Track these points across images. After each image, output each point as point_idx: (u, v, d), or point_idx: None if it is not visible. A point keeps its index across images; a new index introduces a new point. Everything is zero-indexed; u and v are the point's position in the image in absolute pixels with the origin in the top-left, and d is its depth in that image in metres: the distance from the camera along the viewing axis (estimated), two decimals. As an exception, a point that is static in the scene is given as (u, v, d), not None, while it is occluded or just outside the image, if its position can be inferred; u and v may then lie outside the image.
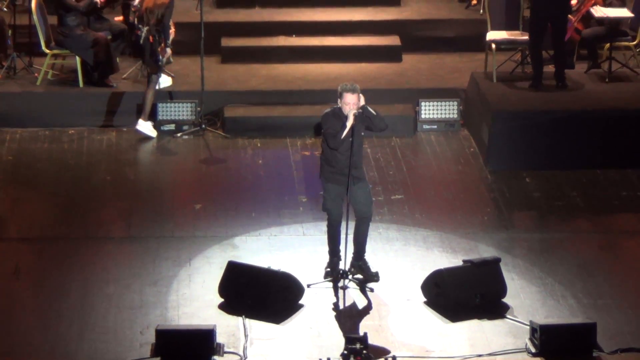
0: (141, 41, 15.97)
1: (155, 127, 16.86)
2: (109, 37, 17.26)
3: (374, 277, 13.07)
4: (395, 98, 16.77)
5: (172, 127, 16.84)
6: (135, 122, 16.32)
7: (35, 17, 17.20)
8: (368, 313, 12.65)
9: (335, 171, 12.78)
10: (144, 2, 16.89)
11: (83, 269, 13.43)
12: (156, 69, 15.96)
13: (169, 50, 15.83)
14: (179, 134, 16.80)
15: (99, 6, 17.35)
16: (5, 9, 18.29)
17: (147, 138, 16.49)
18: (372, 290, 12.94)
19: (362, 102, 12.51)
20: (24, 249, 14.32)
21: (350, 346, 11.21)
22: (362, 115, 12.51)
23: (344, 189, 12.73)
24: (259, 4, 18.95)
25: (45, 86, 17.04)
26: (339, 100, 12.61)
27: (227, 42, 18.19)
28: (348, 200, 12.81)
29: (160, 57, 15.73)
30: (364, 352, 11.13)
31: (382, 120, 12.70)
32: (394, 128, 15.92)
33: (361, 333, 11.79)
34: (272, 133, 16.69)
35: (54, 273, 13.52)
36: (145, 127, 16.29)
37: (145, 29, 15.92)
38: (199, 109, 16.86)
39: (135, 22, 16.62)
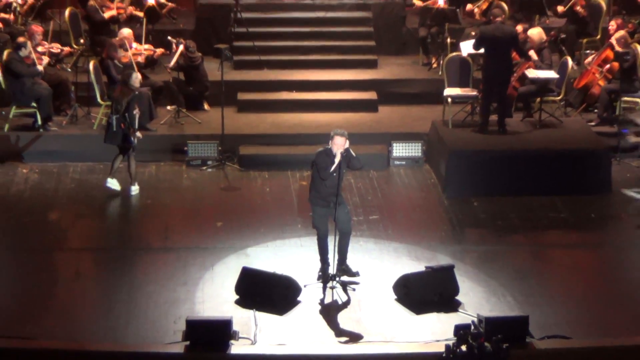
0: (114, 128, 15.52)
1: (186, 162, 16.81)
2: (150, 91, 17.22)
3: (356, 275, 13.10)
4: (372, 140, 16.74)
5: (198, 162, 16.76)
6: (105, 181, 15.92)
7: (92, 76, 17.23)
8: (351, 307, 12.66)
9: (320, 196, 12.82)
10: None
11: (129, 273, 13.48)
12: (129, 148, 15.66)
13: (138, 134, 15.47)
14: (204, 167, 16.74)
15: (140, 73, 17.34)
16: (69, 70, 18.27)
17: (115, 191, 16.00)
18: (354, 289, 12.90)
19: (347, 145, 12.56)
20: (83, 257, 14.37)
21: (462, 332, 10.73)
22: (346, 155, 12.58)
23: (328, 210, 12.77)
24: (267, 66, 18.96)
25: (100, 130, 16.98)
26: (330, 141, 12.64)
27: (242, 96, 18.20)
28: (334, 219, 12.87)
29: (132, 139, 15.45)
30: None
31: (359, 162, 12.81)
32: (371, 163, 15.99)
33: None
34: (277, 167, 16.65)
35: (106, 276, 13.60)
36: (134, 190, 15.94)
37: (114, 117, 15.53)
38: (220, 147, 16.79)
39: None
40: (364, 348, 11.78)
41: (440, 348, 11.50)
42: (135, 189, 15.86)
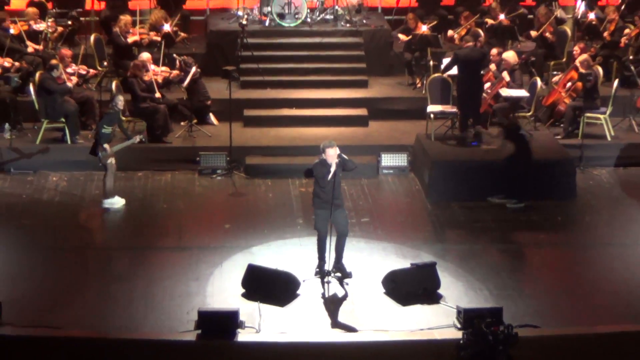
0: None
1: (198, 171, 16.75)
2: (166, 108, 17.23)
3: (349, 275, 13.05)
4: (363, 151, 16.68)
5: (209, 170, 16.72)
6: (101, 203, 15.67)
7: (115, 93, 17.21)
8: (345, 299, 12.67)
9: (322, 202, 12.81)
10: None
11: (147, 269, 13.47)
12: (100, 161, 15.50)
13: (107, 148, 15.25)
14: (214, 176, 16.68)
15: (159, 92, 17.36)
16: (94, 89, 18.26)
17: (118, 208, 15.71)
18: (347, 284, 12.90)
19: (338, 151, 12.57)
20: (105, 255, 14.37)
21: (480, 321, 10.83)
22: (340, 162, 12.59)
23: (328, 213, 12.76)
24: (269, 86, 18.94)
25: (121, 142, 17.01)
26: (322, 154, 12.68)
27: (247, 112, 18.17)
28: (331, 222, 12.86)
29: (99, 152, 15.27)
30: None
31: (352, 163, 12.81)
32: (363, 172, 15.93)
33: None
34: (278, 175, 16.60)
35: (126, 271, 13.60)
36: (108, 203, 15.62)
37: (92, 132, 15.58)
38: (228, 158, 16.75)
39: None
40: (357, 336, 11.80)
41: (424, 336, 11.65)
42: (107, 202, 15.54)
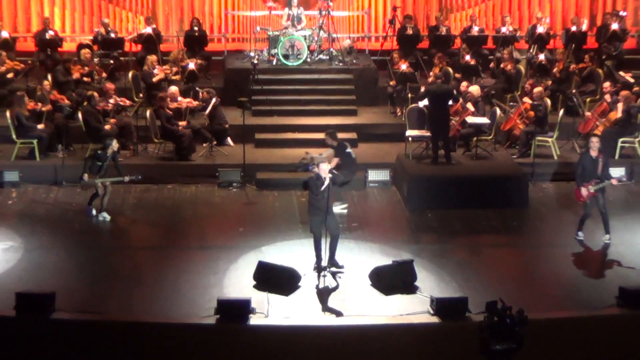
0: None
1: (217, 184, 16.71)
2: (190, 132, 17.28)
3: (341, 268, 13.06)
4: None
5: (226, 184, 16.72)
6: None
7: (148, 120, 17.31)
8: (337, 290, 12.66)
9: (316, 209, 12.83)
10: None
11: (174, 265, 13.44)
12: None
13: (85, 178, 14.85)
14: (230, 188, 16.68)
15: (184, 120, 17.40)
16: (131, 116, 18.29)
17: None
18: (340, 277, 12.91)
19: (330, 166, 12.65)
20: (140, 253, 14.37)
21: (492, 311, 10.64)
22: (332, 177, 12.66)
23: (322, 219, 12.74)
24: (276, 114, 18.99)
25: (155, 160, 17.06)
26: (316, 167, 12.79)
27: (258, 135, 18.22)
28: (326, 226, 12.87)
29: (81, 179, 14.98)
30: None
31: (339, 176, 12.99)
32: (352, 185, 15.89)
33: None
34: (283, 188, 16.59)
35: (157, 267, 13.57)
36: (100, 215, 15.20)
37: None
38: (242, 173, 16.77)
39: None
40: (347, 320, 11.81)
41: (402, 320, 11.65)
42: (93, 212, 15.17)
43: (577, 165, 14.12)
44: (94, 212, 15.18)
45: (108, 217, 15.15)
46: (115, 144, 15.25)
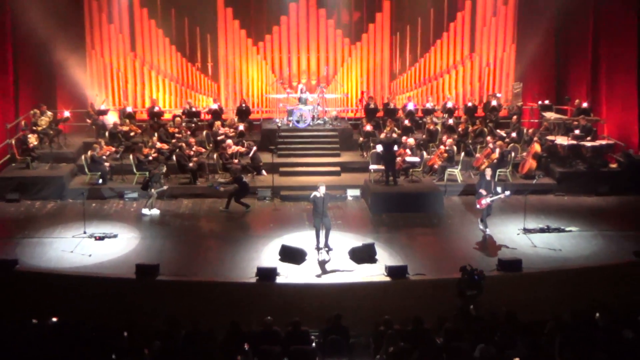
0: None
1: (257, 198, 16.31)
2: (240, 167, 17.12)
3: (331, 249, 13.00)
4: (338, 188, 16.57)
5: (263, 197, 16.47)
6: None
7: (215, 160, 17.19)
8: (329, 262, 12.56)
9: (317, 214, 12.83)
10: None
11: (232, 247, 13.24)
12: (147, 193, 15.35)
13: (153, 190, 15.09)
14: (265, 200, 16.46)
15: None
16: (205, 157, 18.13)
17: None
18: (329, 254, 12.85)
19: (325, 189, 12.71)
20: (211, 239, 13.99)
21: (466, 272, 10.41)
22: (326, 195, 12.72)
23: (320, 220, 12.77)
24: (292, 156, 18.71)
25: (219, 184, 16.80)
26: (318, 189, 12.73)
27: (282, 169, 17.95)
28: (322, 223, 12.88)
29: (150, 189, 15.14)
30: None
31: (329, 197, 12.95)
32: (338, 199, 15.82)
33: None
34: (297, 200, 16.32)
35: (221, 247, 13.28)
36: (146, 212, 14.93)
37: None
38: (272, 191, 16.61)
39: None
40: (335, 280, 11.77)
41: (368, 279, 11.59)
42: (145, 211, 14.86)
43: (478, 185, 14.12)
44: (148, 211, 14.89)
45: (158, 212, 14.93)
46: (164, 167, 15.35)
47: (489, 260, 12.55)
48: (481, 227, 14.02)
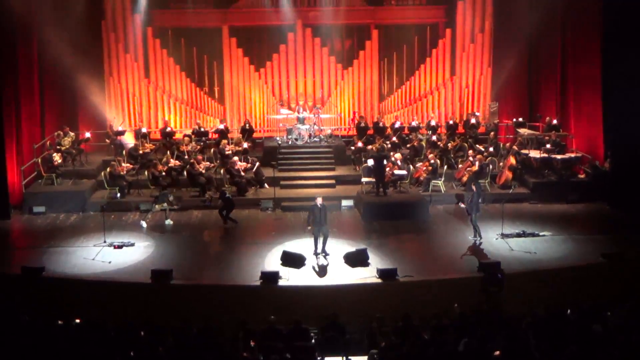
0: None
1: (260, 208, 16.35)
2: (245, 181, 17.17)
3: (327, 255, 12.98)
4: (333, 199, 16.59)
5: (265, 208, 16.45)
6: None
7: (222, 174, 17.16)
8: (327, 266, 12.54)
9: (315, 223, 12.85)
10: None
11: (237, 253, 13.23)
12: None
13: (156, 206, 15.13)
14: (267, 210, 16.45)
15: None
16: (213, 172, 18.13)
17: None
18: (326, 258, 12.84)
19: (321, 201, 12.66)
20: (217, 245, 14.01)
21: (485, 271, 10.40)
22: (322, 206, 12.71)
23: (318, 228, 12.78)
24: (291, 170, 18.69)
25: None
26: (315, 200, 12.74)
27: (283, 182, 17.99)
28: (320, 231, 12.88)
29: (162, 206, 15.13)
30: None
31: (326, 208, 12.89)
32: (333, 209, 15.82)
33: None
34: (297, 210, 16.31)
35: (227, 254, 13.23)
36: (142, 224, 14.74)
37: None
38: (273, 202, 16.58)
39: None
40: (331, 282, 11.75)
41: (361, 281, 11.56)
42: (143, 223, 14.71)
43: (466, 195, 14.12)
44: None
45: (171, 222, 14.83)
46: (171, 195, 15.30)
47: (471, 260, 12.59)
48: (471, 237, 13.98)
